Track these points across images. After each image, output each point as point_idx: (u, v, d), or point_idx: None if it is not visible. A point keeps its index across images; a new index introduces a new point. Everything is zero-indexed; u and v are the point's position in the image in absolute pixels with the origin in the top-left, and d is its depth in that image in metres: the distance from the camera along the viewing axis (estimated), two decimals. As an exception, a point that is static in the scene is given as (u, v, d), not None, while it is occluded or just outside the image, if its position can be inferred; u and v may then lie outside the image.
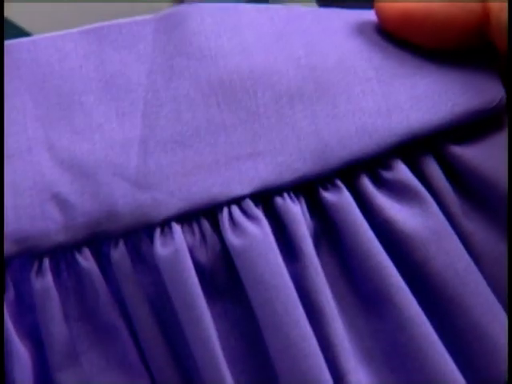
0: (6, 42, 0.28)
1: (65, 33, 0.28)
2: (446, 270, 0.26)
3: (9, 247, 0.26)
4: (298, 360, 0.25)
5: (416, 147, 0.28)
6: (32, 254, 0.27)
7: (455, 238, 0.27)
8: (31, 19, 0.46)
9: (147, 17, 0.28)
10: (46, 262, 0.27)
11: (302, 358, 0.25)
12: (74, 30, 0.28)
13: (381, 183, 0.28)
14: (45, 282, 0.26)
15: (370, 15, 0.28)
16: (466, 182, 0.28)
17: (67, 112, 0.27)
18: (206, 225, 0.27)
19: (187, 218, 0.27)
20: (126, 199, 0.26)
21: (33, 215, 0.26)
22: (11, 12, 0.46)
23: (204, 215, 0.27)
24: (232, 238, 0.26)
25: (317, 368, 0.25)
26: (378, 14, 0.28)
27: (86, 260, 0.27)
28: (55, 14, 0.45)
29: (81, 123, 0.27)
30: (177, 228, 0.27)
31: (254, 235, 0.26)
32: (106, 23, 0.28)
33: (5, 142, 0.27)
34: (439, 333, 0.26)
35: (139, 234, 0.27)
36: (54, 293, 0.26)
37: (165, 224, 0.27)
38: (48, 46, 0.28)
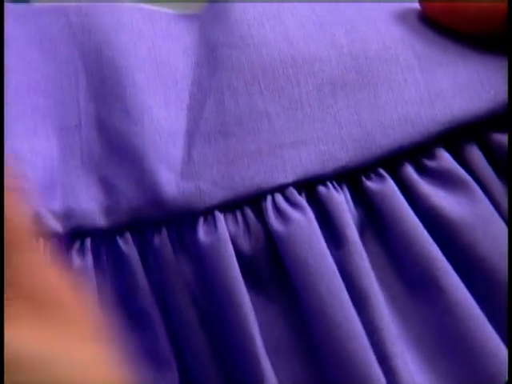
0: (61, 4, 0.27)
1: (118, 3, 0.28)
2: (493, 254, 0.26)
3: (53, 223, 0.26)
4: (342, 342, 0.25)
5: (459, 135, 0.28)
6: (75, 233, 0.26)
7: (502, 222, 0.27)
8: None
9: (196, 13, 0.28)
10: (88, 242, 0.27)
11: (347, 341, 0.25)
12: (126, 3, 0.28)
13: (425, 172, 0.27)
14: (84, 262, 0.26)
15: (412, 4, 0.28)
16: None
17: (119, 87, 0.27)
18: (249, 213, 0.27)
19: (231, 206, 0.27)
20: (170, 187, 0.26)
21: (79, 195, 0.26)
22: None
23: (247, 204, 0.27)
24: (276, 225, 0.26)
25: (361, 350, 0.25)
26: (421, 1, 0.28)
27: (126, 244, 0.27)
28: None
29: (131, 101, 0.27)
30: (220, 217, 0.26)
31: (297, 221, 0.26)
32: (158, 9, 0.28)
33: (56, 111, 0.27)
34: (489, 317, 0.26)
35: (182, 222, 0.27)
36: (91, 274, 0.26)
37: (208, 213, 0.26)
38: (105, 12, 0.27)
